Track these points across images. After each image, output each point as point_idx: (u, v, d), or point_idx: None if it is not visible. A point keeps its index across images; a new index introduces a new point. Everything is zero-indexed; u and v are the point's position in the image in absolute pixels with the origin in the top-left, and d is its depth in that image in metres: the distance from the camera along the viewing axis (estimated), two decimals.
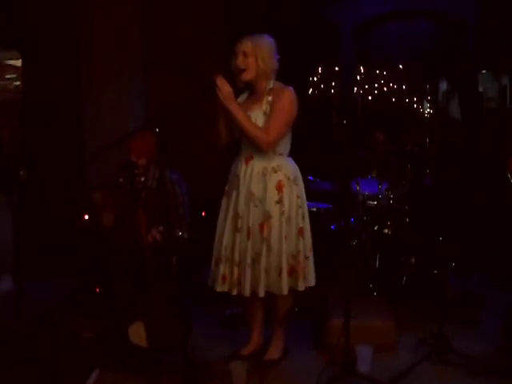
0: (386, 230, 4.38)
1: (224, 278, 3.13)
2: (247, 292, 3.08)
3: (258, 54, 3.07)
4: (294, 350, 3.43)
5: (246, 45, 3.09)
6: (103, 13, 5.23)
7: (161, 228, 3.56)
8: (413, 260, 4.28)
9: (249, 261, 3.07)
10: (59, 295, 4.14)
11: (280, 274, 3.07)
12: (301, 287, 3.14)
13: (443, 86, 5.89)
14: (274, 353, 3.33)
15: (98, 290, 3.86)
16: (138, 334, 3.09)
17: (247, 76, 3.11)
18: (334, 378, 3.01)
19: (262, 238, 3.08)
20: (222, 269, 3.13)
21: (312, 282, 3.22)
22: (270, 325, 3.38)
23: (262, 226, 3.08)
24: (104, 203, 3.94)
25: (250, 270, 3.07)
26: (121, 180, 3.87)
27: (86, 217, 4.31)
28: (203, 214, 4.53)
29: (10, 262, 4.67)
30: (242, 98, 3.26)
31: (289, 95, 3.11)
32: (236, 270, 3.11)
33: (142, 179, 3.69)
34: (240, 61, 3.09)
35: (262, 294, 3.08)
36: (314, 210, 4.32)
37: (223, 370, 3.07)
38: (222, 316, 3.91)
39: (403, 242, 4.33)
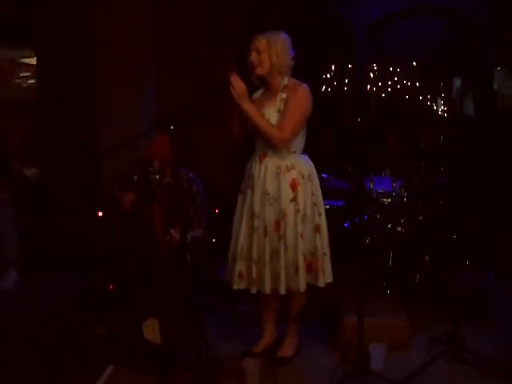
0: (400, 228, 4.36)
1: (240, 275, 3.15)
2: (268, 289, 3.09)
3: (272, 49, 3.06)
4: (307, 348, 3.43)
5: (260, 41, 3.09)
6: (117, 12, 5.25)
7: (179, 228, 3.57)
8: (426, 258, 4.25)
9: (267, 259, 3.08)
10: (72, 291, 4.16)
11: (297, 271, 3.08)
12: (321, 283, 3.16)
13: (457, 83, 5.84)
14: (287, 350, 3.33)
15: (111, 287, 3.88)
16: (151, 330, 3.10)
17: (260, 71, 3.10)
18: (347, 376, 3.01)
19: (279, 236, 3.09)
20: (238, 266, 3.15)
21: (330, 278, 3.23)
22: (284, 322, 3.38)
23: (277, 224, 3.09)
24: (123, 191, 3.96)
25: (269, 268, 3.08)
26: (135, 178, 3.90)
27: (100, 214, 4.34)
28: (216, 211, 4.54)
29: (15, 257, 4.74)
30: (257, 94, 3.27)
31: (303, 92, 3.10)
32: (254, 268, 3.11)
33: (157, 177, 3.71)
34: (254, 57, 3.10)
35: (283, 291, 3.09)
36: (327, 207, 4.31)
37: (236, 367, 3.07)
38: (235, 313, 3.92)
39: (417, 240, 4.31)
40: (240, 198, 3.27)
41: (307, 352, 3.41)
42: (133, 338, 3.19)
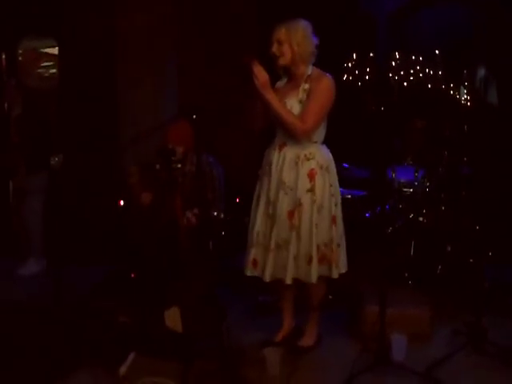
0: (422, 218, 4.33)
1: (254, 262, 3.17)
2: (267, 277, 3.10)
3: (293, 38, 3.05)
4: (327, 337, 3.43)
5: (280, 31, 3.08)
6: (139, 3, 5.26)
7: (195, 210, 3.58)
8: (448, 249, 4.22)
9: (272, 246, 3.09)
10: (95, 280, 4.20)
11: (309, 263, 3.07)
12: (335, 275, 3.15)
13: (481, 71, 5.76)
14: (308, 340, 3.34)
15: (133, 275, 3.91)
16: (173, 318, 3.13)
17: (282, 61, 3.10)
18: (368, 366, 3.00)
19: (291, 226, 3.08)
20: (253, 253, 3.17)
21: (343, 269, 3.23)
22: (305, 312, 3.39)
23: (291, 214, 3.09)
24: (141, 185, 3.99)
25: (273, 256, 3.09)
26: (157, 166, 3.92)
27: (122, 202, 4.37)
28: (237, 200, 4.55)
29: (38, 246, 4.80)
30: (281, 83, 3.25)
31: (327, 83, 3.09)
32: (264, 255, 3.13)
33: (179, 166, 3.72)
34: (275, 48, 3.09)
35: (289, 281, 3.09)
36: (349, 197, 4.29)
37: (257, 356, 3.09)
38: (256, 302, 3.93)
39: (439, 231, 4.28)
40: (257, 184, 3.28)
41: (328, 342, 3.41)
42: (155, 326, 3.22)
